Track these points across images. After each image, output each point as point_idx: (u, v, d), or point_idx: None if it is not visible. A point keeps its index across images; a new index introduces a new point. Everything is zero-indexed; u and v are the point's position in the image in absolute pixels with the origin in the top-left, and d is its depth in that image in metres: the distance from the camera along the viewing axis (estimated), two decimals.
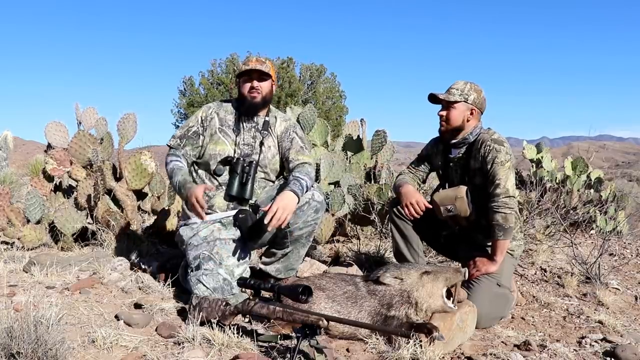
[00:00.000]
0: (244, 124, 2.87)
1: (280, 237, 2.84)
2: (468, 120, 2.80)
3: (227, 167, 2.81)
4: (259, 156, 2.85)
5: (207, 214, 2.77)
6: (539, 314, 2.93)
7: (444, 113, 2.81)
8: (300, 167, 2.81)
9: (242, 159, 2.79)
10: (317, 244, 4.01)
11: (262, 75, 2.79)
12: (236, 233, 2.77)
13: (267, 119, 2.89)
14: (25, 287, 2.75)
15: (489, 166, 2.70)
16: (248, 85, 2.80)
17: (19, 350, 1.75)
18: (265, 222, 2.53)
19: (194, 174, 2.89)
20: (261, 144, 2.85)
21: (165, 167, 2.87)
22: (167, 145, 2.91)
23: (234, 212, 2.77)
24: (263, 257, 3.04)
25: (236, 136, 2.84)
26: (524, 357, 2.24)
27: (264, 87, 2.81)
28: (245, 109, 2.86)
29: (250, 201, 2.82)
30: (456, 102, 2.77)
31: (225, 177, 2.82)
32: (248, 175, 2.76)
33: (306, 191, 2.73)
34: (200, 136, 2.86)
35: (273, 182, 2.94)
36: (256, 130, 2.88)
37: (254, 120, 2.88)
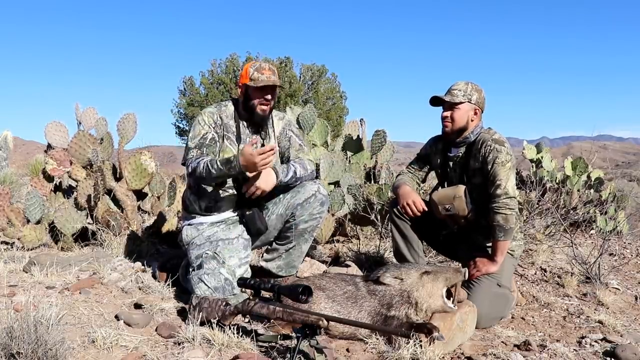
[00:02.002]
0: (246, 129, 2.83)
1: (284, 231, 2.86)
2: (472, 120, 2.81)
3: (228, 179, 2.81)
4: None
5: (212, 214, 2.80)
6: (539, 314, 2.93)
7: (448, 114, 2.79)
8: (298, 159, 2.83)
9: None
10: (317, 244, 4.01)
11: (275, 88, 2.76)
12: (240, 233, 2.77)
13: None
14: (25, 287, 2.75)
15: (489, 166, 2.70)
16: (260, 97, 2.73)
17: (19, 350, 1.75)
18: (242, 191, 2.65)
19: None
20: (262, 146, 2.85)
21: (194, 171, 2.63)
22: (186, 159, 2.72)
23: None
24: (265, 254, 3.05)
25: (238, 144, 2.82)
26: (524, 357, 2.24)
27: (273, 99, 2.78)
28: (254, 121, 2.80)
29: None
30: (461, 102, 2.77)
31: (229, 184, 2.81)
32: None
33: (293, 176, 2.73)
34: (217, 142, 2.76)
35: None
36: (256, 134, 2.87)
37: (254, 127, 2.86)
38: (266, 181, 2.61)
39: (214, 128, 2.77)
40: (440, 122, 2.87)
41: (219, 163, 2.58)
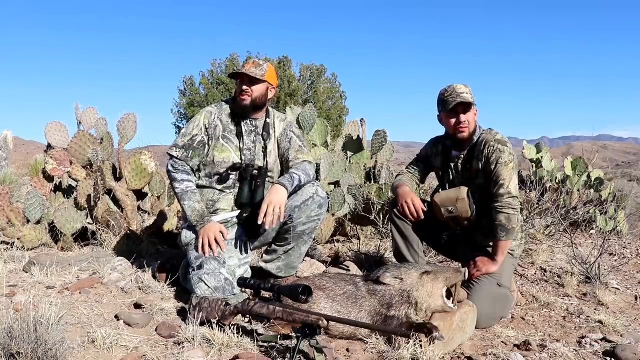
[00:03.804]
0: (245, 128, 2.85)
1: (283, 234, 2.85)
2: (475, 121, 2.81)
3: (233, 174, 2.81)
4: (264, 162, 2.85)
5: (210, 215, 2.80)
6: (539, 314, 2.93)
7: (465, 118, 2.75)
8: (299, 165, 2.82)
9: (250, 166, 2.78)
10: (317, 244, 4.01)
11: (253, 79, 2.77)
12: (239, 234, 2.78)
13: (268, 120, 2.89)
14: (25, 287, 2.75)
15: (492, 166, 2.70)
16: (240, 87, 2.80)
17: (19, 350, 1.75)
18: (260, 223, 2.57)
19: (203, 179, 2.85)
20: (265, 149, 2.86)
21: (172, 181, 2.75)
22: (170, 155, 2.78)
23: (237, 212, 2.79)
24: (264, 255, 3.05)
25: (239, 142, 2.83)
26: (524, 357, 2.24)
27: (255, 90, 2.77)
28: (237, 110, 2.85)
29: None
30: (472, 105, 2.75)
31: (229, 182, 2.82)
32: (257, 183, 2.77)
33: (299, 185, 2.73)
34: (206, 145, 2.81)
35: None
36: (256, 134, 2.87)
37: (253, 124, 2.87)
38: (277, 196, 2.61)
39: (206, 130, 2.80)
40: (452, 128, 2.80)
41: (196, 206, 2.69)
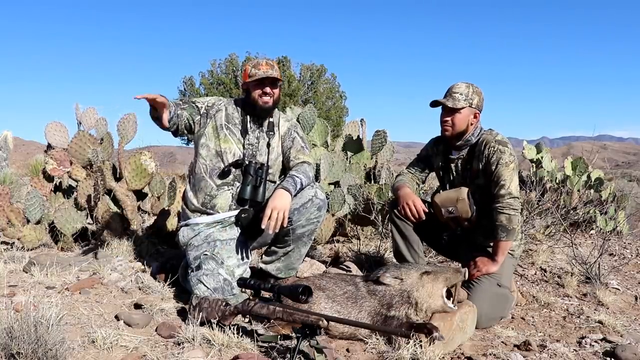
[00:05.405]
0: (250, 125, 2.85)
1: (282, 236, 2.85)
2: (471, 124, 2.80)
3: (234, 170, 2.80)
4: (266, 158, 2.85)
5: (209, 214, 2.79)
6: (539, 314, 2.93)
7: (449, 118, 2.77)
8: (298, 166, 2.82)
9: (253, 161, 2.78)
10: (317, 244, 4.01)
11: (275, 81, 2.78)
12: (237, 234, 2.77)
13: (271, 120, 2.90)
14: (25, 287, 2.75)
15: (493, 167, 2.70)
16: (259, 90, 2.76)
17: (19, 351, 1.75)
18: (263, 227, 2.56)
19: (201, 168, 2.82)
20: (268, 145, 2.86)
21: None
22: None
23: (236, 212, 2.78)
24: (264, 256, 3.04)
25: (243, 137, 2.83)
26: (524, 357, 2.24)
27: (276, 92, 2.80)
28: (257, 114, 2.84)
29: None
30: (462, 108, 2.75)
31: (229, 178, 2.81)
32: (260, 179, 2.77)
33: (301, 188, 2.73)
34: (198, 115, 2.82)
35: (275, 182, 2.94)
36: (260, 131, 2.88)
37: (258, 122, 2.88)
38: (282, 201, 2.59)
39: (208, 107, 2.85)
40: (439, 124, 2.86)
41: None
